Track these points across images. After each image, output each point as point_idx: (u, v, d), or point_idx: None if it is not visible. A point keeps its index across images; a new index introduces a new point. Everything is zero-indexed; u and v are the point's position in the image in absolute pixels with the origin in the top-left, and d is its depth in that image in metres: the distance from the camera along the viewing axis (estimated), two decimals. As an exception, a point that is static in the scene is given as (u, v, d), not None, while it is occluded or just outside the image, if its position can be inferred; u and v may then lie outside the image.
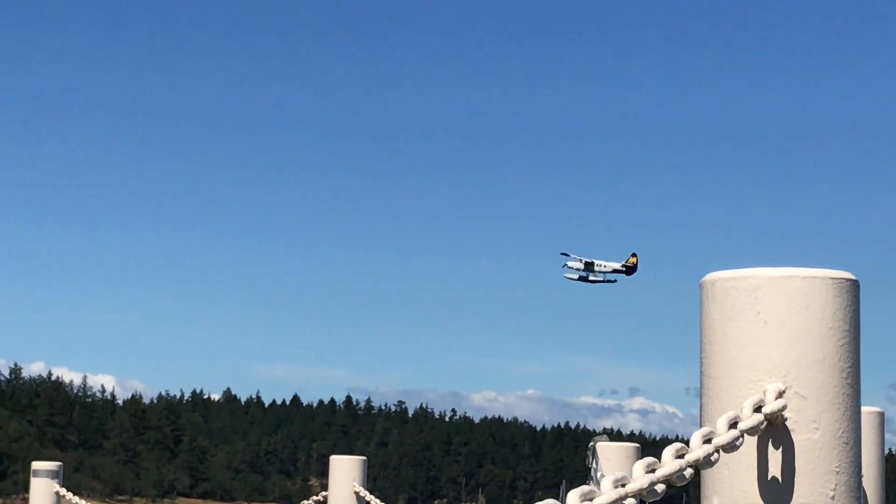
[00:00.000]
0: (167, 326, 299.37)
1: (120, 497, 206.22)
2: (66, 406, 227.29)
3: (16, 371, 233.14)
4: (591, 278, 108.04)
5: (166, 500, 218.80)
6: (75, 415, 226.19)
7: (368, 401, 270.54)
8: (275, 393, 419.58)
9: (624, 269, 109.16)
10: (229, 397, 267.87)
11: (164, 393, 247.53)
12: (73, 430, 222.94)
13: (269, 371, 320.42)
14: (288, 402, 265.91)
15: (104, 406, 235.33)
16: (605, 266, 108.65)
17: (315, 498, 14.10)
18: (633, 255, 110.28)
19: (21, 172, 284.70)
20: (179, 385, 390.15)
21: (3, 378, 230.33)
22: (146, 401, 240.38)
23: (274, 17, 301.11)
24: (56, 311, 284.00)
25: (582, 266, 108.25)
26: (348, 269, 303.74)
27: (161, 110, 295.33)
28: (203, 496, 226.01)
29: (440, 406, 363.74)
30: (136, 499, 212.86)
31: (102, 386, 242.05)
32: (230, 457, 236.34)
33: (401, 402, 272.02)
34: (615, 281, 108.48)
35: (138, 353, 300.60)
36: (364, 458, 11.67)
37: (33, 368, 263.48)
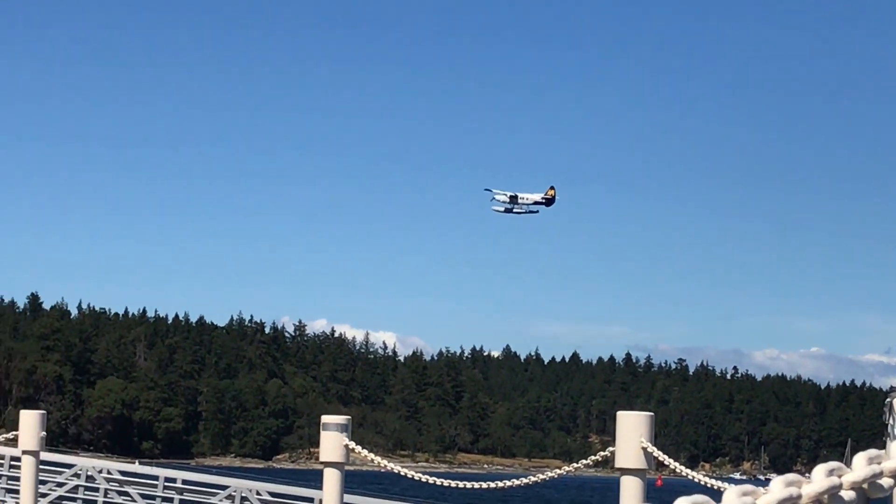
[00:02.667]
0: (447, 284, 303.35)
1: (402, 452, 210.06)
2: (349, 362, 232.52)
3: (300, 328, 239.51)
4: (515, 210, 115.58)
5: (447, 455, 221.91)
6: (358, 371, 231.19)
7: (648, 358, 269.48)
8: (554, 350, 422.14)
9: (544, 200, 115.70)
10: (509, 354, 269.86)
11: (444, 350, 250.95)
12: (356, 385, 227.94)
13: (548, 328, 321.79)
14: (567, 360, 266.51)
15: (386, 362, 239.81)
16: (527, 198, 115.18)
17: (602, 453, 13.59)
18: (552, 187, 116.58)
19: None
20: (459, 342, 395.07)
21: (288, 335, 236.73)
22: (426, 357, 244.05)
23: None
24: (338, 269, 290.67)
25: (507, 199, 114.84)
26: (629, 226, 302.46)
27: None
28: (483, 452, 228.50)
29: (721, 364, 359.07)
30: (417, 454, 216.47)
31: (384, 342, 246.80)
32: (510, 413, 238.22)
33: (681, 360, 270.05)
34: (537, 212, 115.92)
35: (419, 310, 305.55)
36: (651, 413, 11.17)
37: (317, 325, 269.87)
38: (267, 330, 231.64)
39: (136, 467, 37.97)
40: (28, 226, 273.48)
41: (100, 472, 34.11)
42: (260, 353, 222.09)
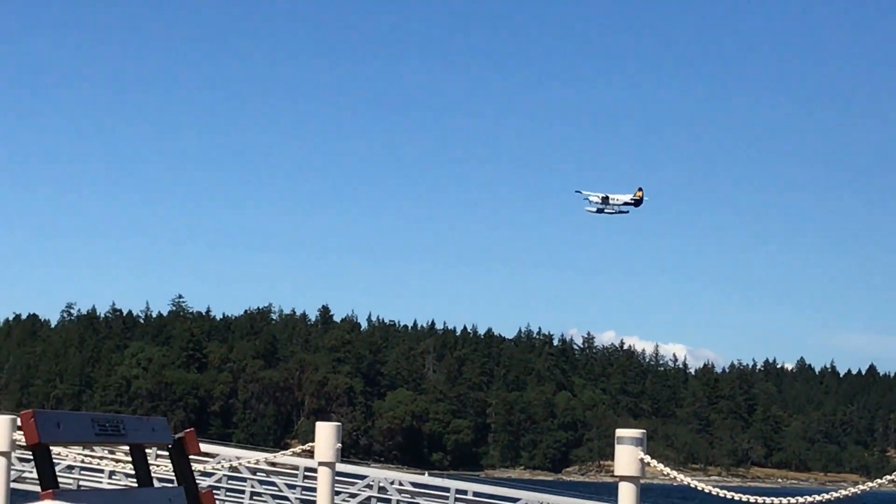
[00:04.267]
0: (740, 296, 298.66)
1: (693, 465, 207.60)
2: (639, 375, 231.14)
3: (589, 340, 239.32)
4: (606, 210, 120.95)
5: (740, 469, 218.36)
6: (648, 383, 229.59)
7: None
8: (849, 362, 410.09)
9: (633, 201, 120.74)
10: (803, 367, 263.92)
11: (736, 362, 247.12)
12: (646, 398, 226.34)
13: (844, 340, 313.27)
14: (863, 372, 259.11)
15: (676, 375, 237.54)
16: (617, 199, 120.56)
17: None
18: (639, 189, 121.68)
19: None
20: (752, 354, 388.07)
21: (576, 347, 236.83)
22: (718, 370, 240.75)
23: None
24: (627, 282, 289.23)
25: (599, 200, 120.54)
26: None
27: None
28: (777, 466, 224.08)
29: None
30: (709, 467, 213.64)
31: (674, 355, 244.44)
32: (805, 427, 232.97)
33: None
34: (627, 212, 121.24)
35: (710, 322, 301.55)
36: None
37: (605, 338, 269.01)
38: (555, 342, 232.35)
39: (426, 479, 38.34)
40: (319, 241, 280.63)
41: (391, 483, 34.53)
42: (548, 365, 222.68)
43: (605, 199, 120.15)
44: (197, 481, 8.88)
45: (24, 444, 7.36)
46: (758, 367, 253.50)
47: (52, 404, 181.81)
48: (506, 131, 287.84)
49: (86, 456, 31.25)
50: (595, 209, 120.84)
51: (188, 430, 8.67)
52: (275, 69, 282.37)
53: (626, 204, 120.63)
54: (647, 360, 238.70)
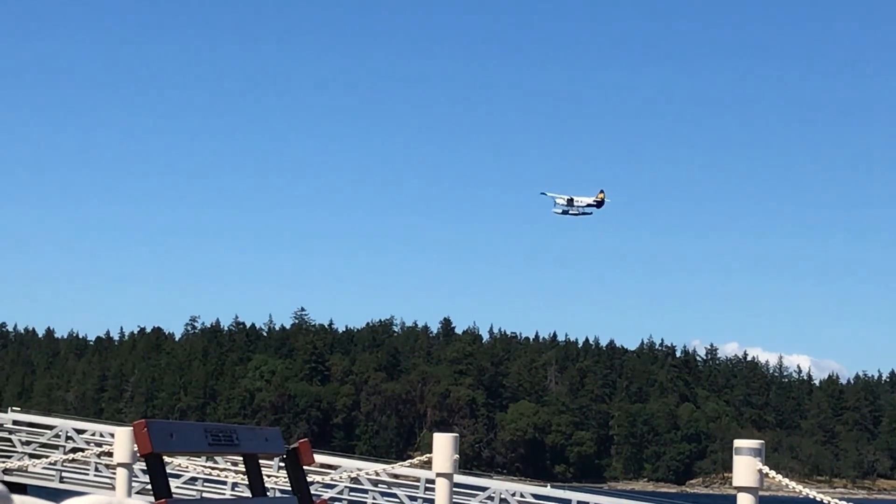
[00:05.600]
0: (865, 307, 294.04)
1: (818, 477, 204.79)
2: (763, 386, 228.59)
3: (712, 352, 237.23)
4: (570, 212, 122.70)
5: (866, 482, 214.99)
6: (772, 395, 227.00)
7: None
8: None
9: (595, 203, 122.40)
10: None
11: (861, 373, 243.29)
12: (770, 410, 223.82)
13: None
14: None
15: (800, 386, 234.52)
16: (581, 201, 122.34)
17: None
18: (601, 191, 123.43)
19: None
20: (877, 365, 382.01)
21: (699, 358, 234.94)
22: (843, 381, 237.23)
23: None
24: (750, 293, 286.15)
25: (565, 202, 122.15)
26: None
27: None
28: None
29: None
30: (834, 479, 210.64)
31: (798, 366, 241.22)
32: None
33: None
34: (591, 213, 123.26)
35: (834, 333, 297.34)
36: None
37: (728, 349, 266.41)
38: (678, 353, 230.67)
39: (548, 490, 38.18)
40: (441, 253, 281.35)
41: (512, 494, 34.46)
42: (671, 376, 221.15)
43: (570, 202, 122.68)
44: (316, 492, 8.90)
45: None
46: (883, 378, 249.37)
47: (177, 416, 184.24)
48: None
49: (206, 467, 31.59)
50: (560, 211, 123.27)
51: (302, 440, 8.70)
52: (391, 80, 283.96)
53: (588, 206, 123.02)
54: (771, 371, 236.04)
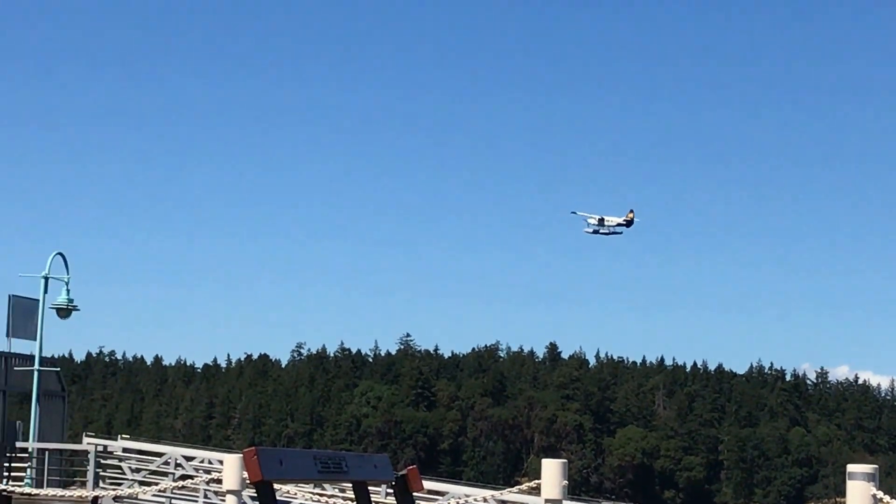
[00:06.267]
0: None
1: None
2: (874, 410, 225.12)
3: (822, 375, 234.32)
4: (601, 232, 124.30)
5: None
6: (884, 418, 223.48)
7: None
8: None
9: (625, 223, 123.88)
10: None
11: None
12: (883, 433, 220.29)
13: None
14: None
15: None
16: (612, 221, 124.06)
17: None
18: (630, 211, 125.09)
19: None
20: None
21: (810, 382, 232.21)
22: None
23: None
24: (862, 314, 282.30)
25: (596, 222, 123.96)
26: None
27: None
28: None
29: None
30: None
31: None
32: None
33: None
34: (621, 233, 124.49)
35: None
36: None
37: (839, 372, 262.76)
38: (788, 377, 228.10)
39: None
40: (545, 279, 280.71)
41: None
42: (781, 400, 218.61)
43: (601, 221, 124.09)
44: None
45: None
46: None
47: (284, 443, 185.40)
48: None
49: (315, 494, 31.68)
50: (592, 230, 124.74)
51: (411, 466, 8.69)
52: (491, 112, 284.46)
53: (618, 225, 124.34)
54: (883, 394, 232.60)
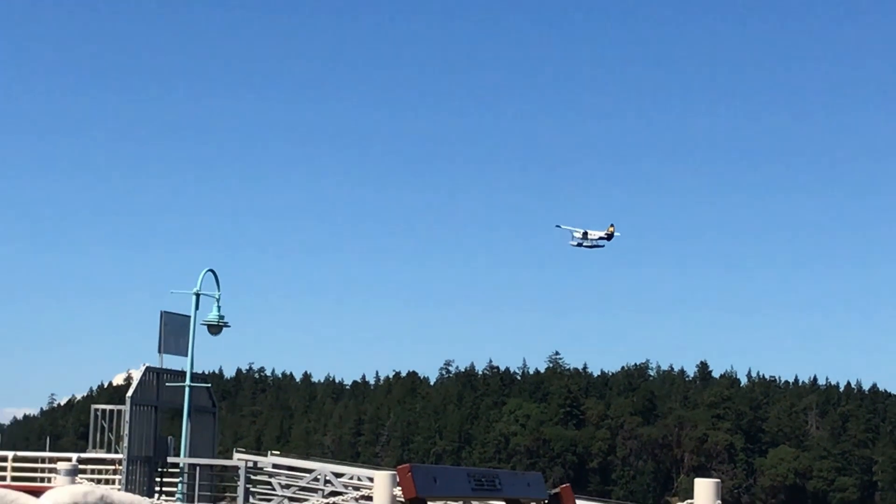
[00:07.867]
0: None
1: None
2: None
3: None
4: (584, 245, 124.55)
5: None
6: None
7: None
8: None
9: (606, 236, 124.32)
10: None
11: None
12: None
13: None
14: None
15: None
16: (594, 234, 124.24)
17: None
18: (611, 225, 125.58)
19: None
20: None
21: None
22: None
23: None
24: None
25: (580, 235, 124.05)
26: None
27: None
28: None
29: None
30: None
31: None
32: None
33: None
34: (603, 246, 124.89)
35: None
36: None
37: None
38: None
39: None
40: (697, 297, 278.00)
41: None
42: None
43: (585, 235, 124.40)
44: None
45: (403, 498, 7.30)
46: None
47: (432, 460, 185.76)
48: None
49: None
50: (576, 243, 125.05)
51: (564, 485, 8.47)
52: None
53: (600, 238, 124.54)
54: None
